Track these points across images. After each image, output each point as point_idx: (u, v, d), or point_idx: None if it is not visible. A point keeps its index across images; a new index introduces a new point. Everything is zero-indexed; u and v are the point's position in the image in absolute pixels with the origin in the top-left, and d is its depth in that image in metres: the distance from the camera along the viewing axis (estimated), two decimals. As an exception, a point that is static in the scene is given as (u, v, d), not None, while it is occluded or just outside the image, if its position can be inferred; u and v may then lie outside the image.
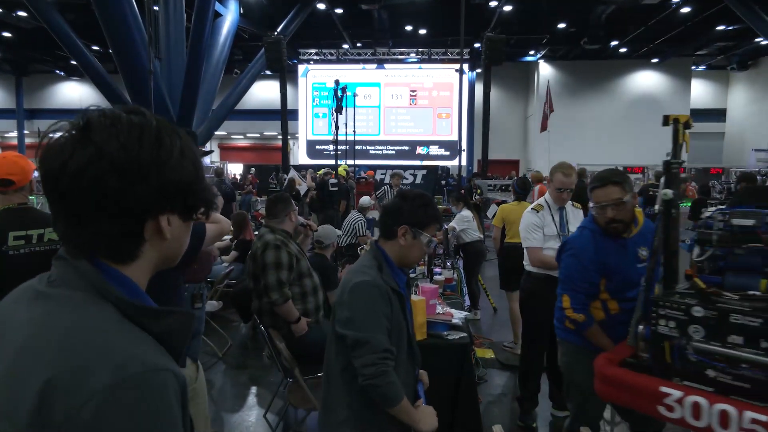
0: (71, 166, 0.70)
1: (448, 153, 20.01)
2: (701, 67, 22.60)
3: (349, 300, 1.88)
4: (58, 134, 0.73)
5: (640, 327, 1.94)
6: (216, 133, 16.09)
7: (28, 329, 0.70)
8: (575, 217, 3.55)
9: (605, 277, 2.45)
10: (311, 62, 21.08)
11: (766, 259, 1.74)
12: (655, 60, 20.85)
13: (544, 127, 12.33)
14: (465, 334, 3.22)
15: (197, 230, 2.28)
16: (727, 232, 1.79)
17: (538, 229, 3.47)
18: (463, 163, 19.97)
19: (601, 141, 20.40)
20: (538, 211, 3.52)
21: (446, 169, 17.90)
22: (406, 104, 20.67)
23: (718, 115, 23.32)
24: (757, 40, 17.25)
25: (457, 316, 3.48)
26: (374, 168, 16.71)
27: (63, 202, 0.73)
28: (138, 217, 0.75)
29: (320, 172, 11.55)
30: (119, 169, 0.72)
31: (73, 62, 15.68)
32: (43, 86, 25.19)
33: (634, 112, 21.01)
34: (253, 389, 4.29)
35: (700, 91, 22.95)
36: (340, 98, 10.33)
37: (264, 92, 23.14)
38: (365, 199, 8.12)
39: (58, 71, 23.53)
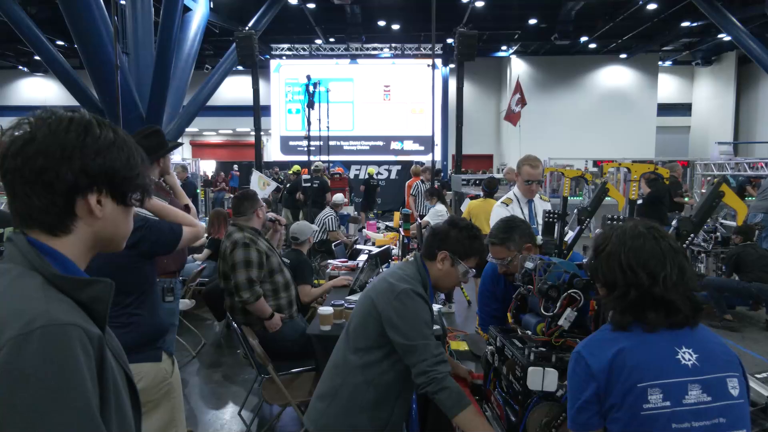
0: (11, 148, 0.85)
1: (422, 148, 20.10)
2: (668, 63, 23.16)
3: (397, 306, 1.89)
4: (15, 129, 0.87)
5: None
6: (187, 129, 15.82)
7: None
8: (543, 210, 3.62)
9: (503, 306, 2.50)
10: (284, 57, 20.90)
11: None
12: (623, 55, 21.26)
13: (514, 121, 12.43)
14: (438, 327, 3.26)
15: (175, 230, 2.27)
16: (523, 272, 1.94)
17: None
18: (438, 158, 20.13)
19: (573, 135, 20.72)
20: (507, 205, 3.57)
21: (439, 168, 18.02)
22: (380, 99, 20.67)
23: (683, 109, 23.94)
24: (720, 36, 17.75)
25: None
26: (349, 164, 16.68)
27: (5, 180, 0.87)
28: (65, 195, 0.87)
29: (292, 171, 11.49)
30: (44, 151, 0.85)
31: (37, 57, 15.22)
32: (6, 82, 24.36)
33: (603, 107, 21.41)
34: (228, 387, 4.26)
35: (667, 86, 23.52)
36: (312, 93, 10.27)
37: (236, 88, 22.81)
38: (339, 197, 8.13)
39: (21, 67, 22.77)
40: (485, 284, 2.65)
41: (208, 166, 23.03)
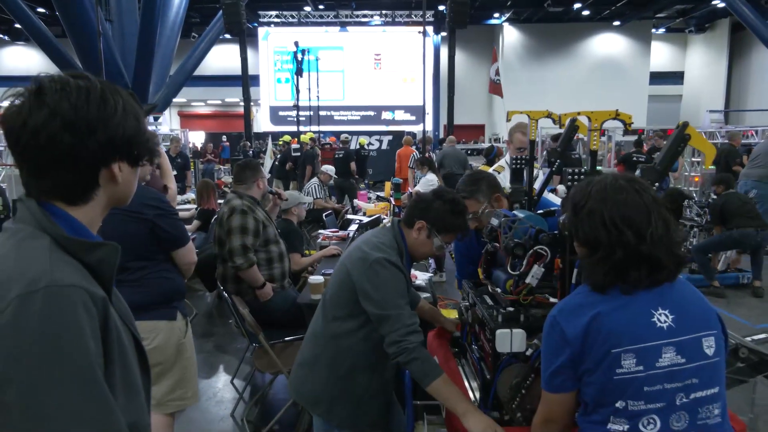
0: (30, 125, 0.83)
1: (414, 118, 19.93)
2: (661, 30, 22.93)
3: (370, 275, 1.85)
4: (16, 98, 0.85)
5: None
6: (175, 100, 15.54)
7: None
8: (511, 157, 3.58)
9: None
10: (272, 25, 20.46)
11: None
12: (616, 23, 21.02)
13: (500, 93, 12.25)
14: (429, 295, 3.28)
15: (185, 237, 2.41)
16: (489, 229, 1.92)
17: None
18: (429, 128, 19.99)
19: (565, 104, 20.47)
20: (499, 173, 3.55)
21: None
22: (371, 68, 20.37)
23: (676, 77, 23.83)
24: (714, 2, 17.55)
25: (421, 277, 3.54)
26: (340, 134, 16.53)
27: (24, 156, 0.86)
28: (92, 167, 0.89)
29: (281, 141, 11.39)
30: (71, 127, 0.85)
31: (18, 26, 14.78)
32: (-14, 51, 23.78)
33: (596, 75, 21.25)
34: (220, 356, 4.29)
35: (660, 54, 23.33)
36: (300, 61, 10.10)
37: (224, 57, 22.40)
38: (329, 168, 8.08)
39: (1, 35, 22.16)
40: (459, 249, 2.59)
41: (196, 137, 22.75)
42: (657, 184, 1.78)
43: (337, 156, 10.18)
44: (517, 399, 1.66)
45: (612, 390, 1.27)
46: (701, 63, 22.94)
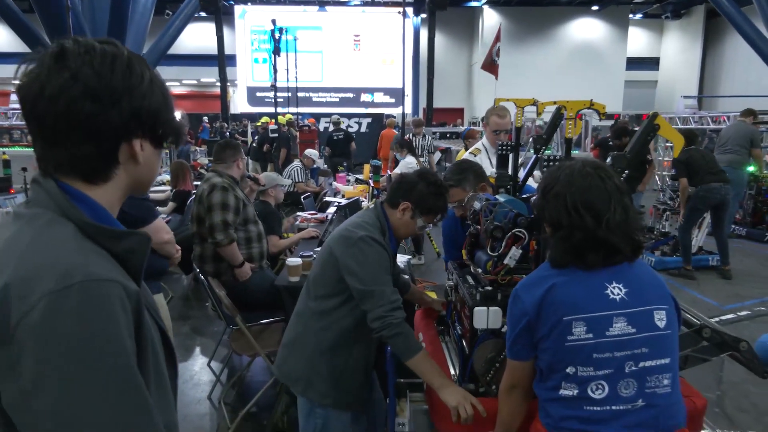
0: (48, 90, 0.75)
1: (393, 100, 19.80)
2: (638, 16, 23.09)
3: (354, 252, 1.89)
4: (35, 62, 0.78)
5: None
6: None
7: (1, 245, 0.76)
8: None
9: None
10: (248, 3, 20.00)
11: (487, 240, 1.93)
12: (595, 7, 21.09)
13: (495, 73, 12.17)
14: (407, 277, 3.29)
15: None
16: (472, 213, 2.00)
17: None
18: (408, 110, 19.90)
19: (543, 88, 20.63)
20: (475, 155, 3.55)
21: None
22: (350, 50, 20.12)
23: (651, 63, 24.10)
24: (691, -12, 17.71)
25: (400, 260, 3.54)
26: (318, 116, 16.34)
27: (40, 124, 0.78)
28: (112, 140, 0.81)
29: (259, 123, 11.24)
30: (93, 94, 0.77)
31: (-19, -1, 14.17)
32: (-52, 26, 22.76)
33: (574, 60, 21.37)
34: (197, 339, 4.26)
35: (637, 40, 23.54)
36: (277, 40, 9.92)
37: (200, 36, 21.85)
38: (312, 152, 7.98)
39: (-37, 9, 21.23)
40: (446, 234, 2.70)
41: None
42: (627, 171, 1.83)
43: (336, 138, 10.40)
44: (492, 372, 1.76)
45: (563, 356, 1.35)
46: (676, 49, 23.23)
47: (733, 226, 8.17)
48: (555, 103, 2.42)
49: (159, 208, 5.76)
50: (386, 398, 2.22)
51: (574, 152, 13.22)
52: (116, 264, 0.79)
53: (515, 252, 1.76)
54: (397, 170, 6.60)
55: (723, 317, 4.77)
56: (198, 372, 3.71)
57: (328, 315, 1.96)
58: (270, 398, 3.16)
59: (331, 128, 12.01)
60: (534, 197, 1.65)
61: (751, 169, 8.31)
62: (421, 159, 8.42)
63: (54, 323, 0.68)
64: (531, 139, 2.35)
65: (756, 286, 5.71)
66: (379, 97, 20.28)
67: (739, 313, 4.87)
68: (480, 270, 1.92)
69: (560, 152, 2.49)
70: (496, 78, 11.76)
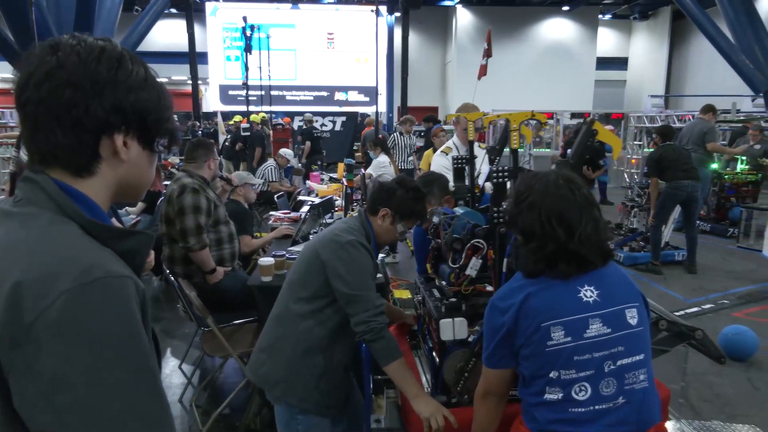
0: (34, 77, 0.77)
1: (368, 99, 19.78)
2: (607, 16, 23.53)
3: (342, 256, 1.91)
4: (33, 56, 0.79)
5: None
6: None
7: None
8: (481, 158, 3.66)
9: None
10: (220, 0, 19.72)
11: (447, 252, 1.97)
12: (565, 8, 21.41)
13: (479, 74, 12.22)
14: (380, 275, 3.29)
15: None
16: (432, 227, 2.05)
17: (448, 170, 3.54)
18: (383, 109, 19.93)
19: (516, 87, 20.94)
20: (447, 154, 3.58)
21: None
22: (324, 48, 20.02)
23: (620, 63, 24.59)
24: (657, -10, 18.12)
25: (373, 258, 3.55)
26: (292, 114, 16.22)
27: (25, 112, 0.79)
28: (92, 132, 0.80)
29: (232, 121, 11.12)
30: (75, 82, 0.77)
31: (-62, -8, 13.63)
32: None
33: (545, 59, 21.65)
34: (167, 341, 4.19)
35: (606, 40, 23.99)
36: (249, 37, 9.82)
37: (170, 33, 21.46)
38: (288, 152, 7.93)
39: None
40: (417, 244, 2.75)
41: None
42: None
43: (317, 135, 10.66)
44: (462, 382, 1.78)
45: (545, 361, 1.37)
46: (644, 49, 23.77)
47: (698, 221, 8.42)
48: (498, 116, 2.52)
49: (128, 209, 5.66)
50: (363, 396, 2.23)
51: (545, 151, 13.34)
52: (122, 261, 0.79)
53: (475, 262, 1.81)
54: (370, 170, 6.59)
55: (688, 310, 4.91)
56: (169, 375, 3.65)
57: (310, 318, 1.96)
58: (243, 400, 3.14)
59: (305, 126, 11.96)
60: (505, 204, 1.69)
61: (714, 166, 8.58)
62: (409, 159, 8.43)
63: (76, 319, 0.68)
64: (485, 151, 2.40)
65: (719, 279, 5.89)
66: (353, 96, 20.23)
67: (703, 306, 5.02)
68: (444, 282, 1.95)
69: (530, 160, 2.53)
70: (479, 78, 11.82)
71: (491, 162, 2.46)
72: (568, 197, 1.42)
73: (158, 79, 0.88)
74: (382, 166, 6.35)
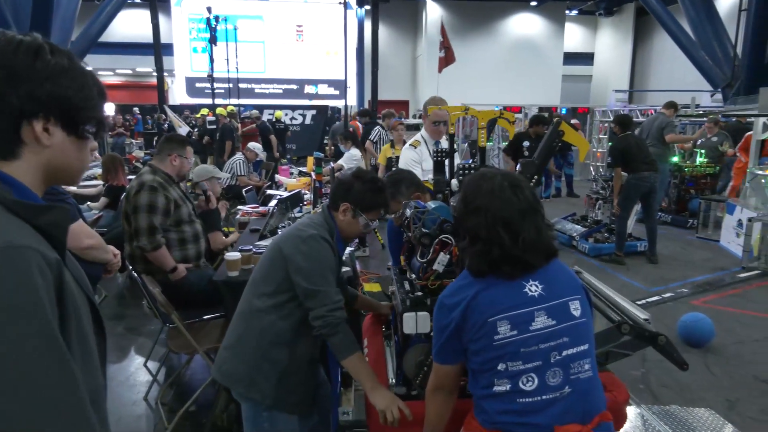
0: None
1: (338, 92, 19.63)
2: (574, 12, 23.91)
3: (304, 250, 1.92)
4: None
5: None
6: (78, 67, 14.31)
7: None
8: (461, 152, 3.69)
9: None
10: (186, -10, 19.26)
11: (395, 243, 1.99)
12: (533, 3, 21.66)
13: (439, 68, 12.31)
14: (348, 269, 3.29)
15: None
16: (404, 220, 2.06)
17: (416, 164, 3.56)
18: (354, 102, 19.84)
19: (485, 82, 21.14)
20: (415, 147, 3.60)
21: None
22: (293, 40, 19.79)
23: (587, 58, 25.06)
24: (622, -13, 18.48)
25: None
26: (261, 108, 16.00)
27: None
28: (9, 118, 0.85)
29: (199, 114, 10.92)
30: None
31: None
32: None
33: (514, 54, 21.89)
34: (132, 339, 4.10)
35: (573, 36, 24.40)
36: (214, 28, 9.63)
37: (134, 23, 20.92)
38: (257, 146, 7.82)
39: None
40: (391, 240, 2.75)
41: (107, 109, 21.18)
42: (536, 177, 1.94)
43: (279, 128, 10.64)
44: (421, 375, 1.79)
45: (493, 355, 1.41)
46: (609, 45, 24.26)
47: (659, 213, 8.68)
48: (467, 112, 2.54)
49: (90, 204, 5.51)
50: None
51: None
52: (39, 236, 0.82)
53: (443, 257, 1.82)
54: (341, 162, 6.57)
55: (649, 299, 5.06)
56: (134, 373, 3.58)
57: (272, 313, 1.95)
58: (210, 396, 3.10)
59: (273, 120, 11.83)
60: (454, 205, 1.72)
61: (675, 159, 8.84)
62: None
63: None
64: (467, 145, 2.41)
65: (679, 269, 6.08)
66: (323, 89, 20.06)
67: (663, 295, 5.18)
68: (414, 276, 1.97)
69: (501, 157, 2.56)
70: (439, 71, 11.88)
71: (472, 156, 2.48)
72: (512, 202, 1.45)
73: (84, 71, 0.92)
74: (354, 159, 6.33)
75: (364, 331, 2.43)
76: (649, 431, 2.58)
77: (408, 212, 2.02)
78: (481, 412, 1.46)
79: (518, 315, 1.41)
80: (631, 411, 2.71)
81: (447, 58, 11.96)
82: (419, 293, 1.88)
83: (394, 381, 1.99)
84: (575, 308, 1.46)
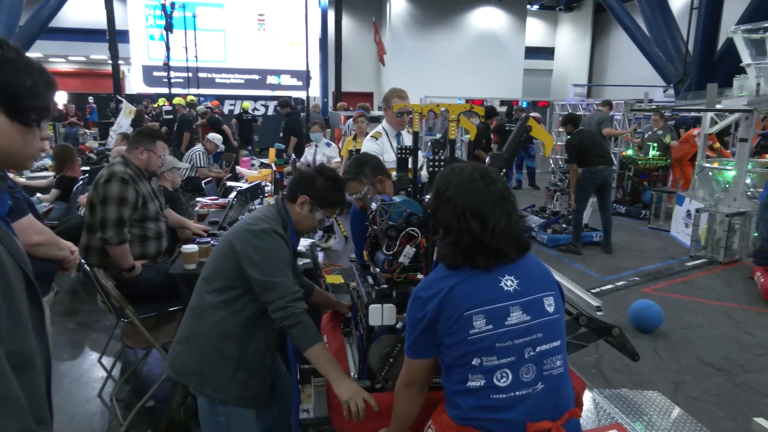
0: None
1: (301, 83, 19.41)
2: (535, 7, 24.29)
3: (256, 244, 1.90)
4: None
5: None
6: (28, 54, 13.72)
7: None
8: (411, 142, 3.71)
9: None
10: (142, -25, 18.63)
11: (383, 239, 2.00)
12: (496, -4, 21.90)
13: (381, 58, 12.39)
14: (308, 260, 3.29)
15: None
16: (370, 213, 2.07)
17: (378, 155, 3.56)
18: (317, 94, 19.66)
19: (449, 75, 21.28)
20: (377, 138, 3.60)
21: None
22: (254, 29, 19.43)
23: (548, 53, 25.54)
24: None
25: (302, 243, 3.53)
26: (222, 98, 15.68)
27: None
28: None
29: (156, 104, 10.62)
30: None
31: None
32: None
33: (477, 48, 22.11)
34: (86, 334, 3.99)
35: (535, 31, 24.81)
36: (169, 15, 9.37)
37: (88, 9, 20.09)
38: (216, 136, 7.67)
39: None
40: (353, 225, 2.77)
41: (57, 98, 20.36)
42: (504, 169, 1.98)
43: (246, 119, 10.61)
44: (386, 367, 1.79)
45: (468, 349, 1.40)
46: (569, 40, 24.79)
47: (614, 204, 8.97)
48: (439, 106, 2.56)
49: (40, 196, 5.30)
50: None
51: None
52: None
53: (409, 250, 1.83)
54: (319, 157, 6.41)
55: (603, 288, 5.23)
56: (87, 370, 3.48)
57: (223, 307, 1.93)
58: (167, 391, 3.04)
59: (241, 111, 11.63)
60: (426, 197, 1.71)
61: (629, 152, 9.14)
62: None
63: None
64: (430, 143, 2.41)
65: (632, 258, 6.31)
66: (286, 80, 19.79)
67: (616, 284, 5.37)
68: (378, 270, 1.97)
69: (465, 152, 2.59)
70: (383, 64, 11.90)
71: (435, 154, 2.47)
72: (482, 191, 1.46)
73: (30, 63, 0.98)
74: (334, 160, 6.23)
75: (323, 329, 2.41)
76: (600, 414, 2.65)
77: (374, 206, 2.01)
78: (454, 407, 1.45)
79: (494, 309, 1.41)
80: (584, 395, 2.80)
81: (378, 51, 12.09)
82: (384, 286, 1.89)
83: (356, 376, 1.98)
84: (549, 304, 1.47)
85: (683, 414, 2.67)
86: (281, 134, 9.12)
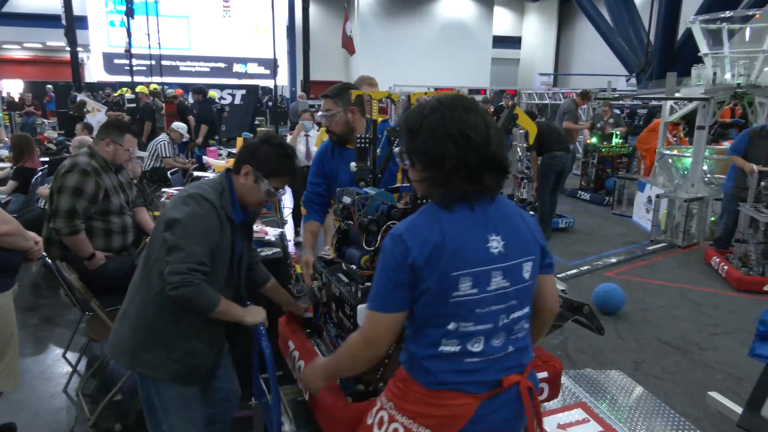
0: None
1: (268, 71, 19.13)
2: (502, -4, 24.52)
3: (179, 206, 1.84)
4: None
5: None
6: (-22, 40, 13.14)
7: None
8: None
9: (328, 183, 2.70)
10: (101, -41, 18.02)
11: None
12: (463, -15, 21.98)
13: (351, 49, 12.32)
14: (278, 250, 3.27)
15: None
16: (341, 207, 1.95)
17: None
18: (285, 82, 19.41)
19: (418, 63, 21.29)
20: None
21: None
22: (220, 16, 19.02)
23: (515, 42, 25.80)
24: (547, -27, 19.07)
25: (272, 233, 3.51)
26: (187, 87, 15.32)
27: None
28: None
29: (117, 93, 10.32)
30: None
31: None
32: None
33: (445, 37, 22.18)
34: (49, 330, 3.89)
35: (502, 20, 25.00)
36: (130, 0, 9.10)
37: (43, -7, 19.33)
38: (181, 125, 7.50)
39: None
40: (317, 159, 2.74)
41: (12, 86, 19.57)
42: None
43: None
44: (381, 369, 1.69)
45: (445, 311, 1.31)
46: (535, 29, 25.09)
47: (578, 191, 9.19)
48: (388, 95, 2.52)
49: (-4, 188, 5.12)
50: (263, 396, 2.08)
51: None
52: None
53: None
54: (312, 147, 6.27)
55: (568, 272, 5.37)
56: (51, 365, 3.40)
57: (156, 282, 1.84)
58: (135, 384, 3.00)
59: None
60: (398, 146, 1.60)
61: (594, 140, 9.35)
62: None
63: None
64: (385, 131, 2.29)
65: (596, 243, 6.49)
66: (252, 68, 19.49)
67: (581, 269, 5.52)
68: (354, 266, 1.86)
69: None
70: (351, 53, 11.84)
71: (390, 144, 2.39)
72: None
73: None
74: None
75: (284, 334, 2.25)
76: (565, 394, 2.74)
77: (348, 200, 1.89)
78: (426, 374, 1.35)
79: (480, 273, 1.32)
80: (549, 376, 2.89)
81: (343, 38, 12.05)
82: (368, 284, 1.73)
83: (341, 381, 1.80)
84: (527, 270, 1.40)
85: (643, 391, 2.79)
86: (194, 124, 8.81)
